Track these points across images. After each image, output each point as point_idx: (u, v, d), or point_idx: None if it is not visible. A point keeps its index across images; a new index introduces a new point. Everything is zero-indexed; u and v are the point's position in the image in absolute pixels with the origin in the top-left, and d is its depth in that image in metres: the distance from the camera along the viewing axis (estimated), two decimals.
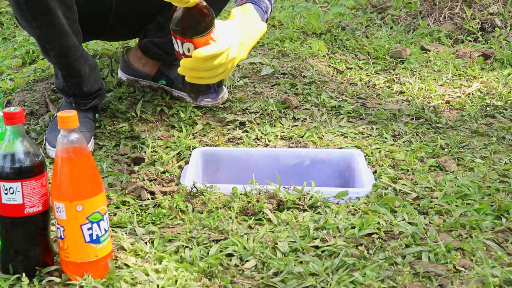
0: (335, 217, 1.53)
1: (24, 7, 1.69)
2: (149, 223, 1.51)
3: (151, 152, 1.91)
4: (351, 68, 2.61)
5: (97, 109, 2.06)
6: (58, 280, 1.27)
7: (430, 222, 1.52)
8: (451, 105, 2.31)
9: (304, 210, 1.57)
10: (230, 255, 1.39)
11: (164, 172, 1.79)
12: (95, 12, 2.05)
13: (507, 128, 2.10)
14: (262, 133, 2.04)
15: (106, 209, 1.28)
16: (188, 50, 1.50)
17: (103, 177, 1.75)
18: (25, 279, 1.24)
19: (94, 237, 1.26)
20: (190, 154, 1.86)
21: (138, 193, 1.64)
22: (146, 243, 1.43)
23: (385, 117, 2.16)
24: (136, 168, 1.82)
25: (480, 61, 2.72)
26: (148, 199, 1.62)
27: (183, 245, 1.41)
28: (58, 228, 1.26)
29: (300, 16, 3.20)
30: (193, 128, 2.05)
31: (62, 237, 1.26)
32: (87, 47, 2.64)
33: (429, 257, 1.37)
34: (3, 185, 1.23)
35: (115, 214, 1.55)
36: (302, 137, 2.01)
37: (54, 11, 1.71)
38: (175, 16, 1.50)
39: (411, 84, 2.47)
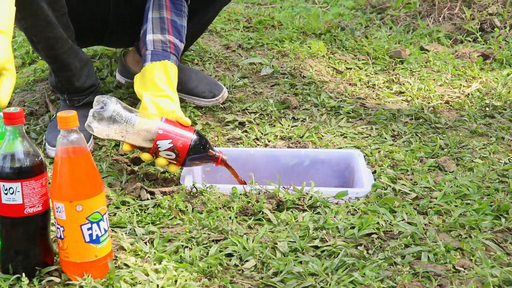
0: (334, 217, 1.53)
1: None
2: (149, 223, 1.51)
3: None
4: (350, 68, 2.61)
5: None
6: (58, 280, 1.28)
7: (429, 222, 1.52)
8: (451, 105, 2.31)
9: (304, 210, 1.57)
10: (229, 255, 1.39)
11: (163, 172, 1.79)
12: (94, 16, 2.06)
13: (506, 128, 2.11)
14: (262, 133, 2.04)
15: (106, 209, 1.28)
16: (165, 157, 1.66)
17: (103, 177, 1.75)
18: (25, 279, 1.24)
19: (94, 237, 1.26)
20: None
21: (138, 193, 1.65)
22: (146, 243, 1.43)
23: (384, 117, 2.16)
24: (136, 168, 1.82)
25: (479, 61, 2.72)
26: (148, 199, 1.62)
27: (182, 245, 1.41)
28: (58, 228, 1.26)
29: (299, 16, 3.20)
30: None
31: (62, 237, 1.26)
32: (87, 48, 2.64)
33: (428, 257, 1.37)
34: (3, 185, 1.24)
35: (115, 214, 1.55)
36: (301, 137, 2.01)
37: (37, 1, 1.71)
38: (203, 148, 1.68)
39: (410, 84, 2.47)
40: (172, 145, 1.64)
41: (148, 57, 1.84)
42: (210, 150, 1.69)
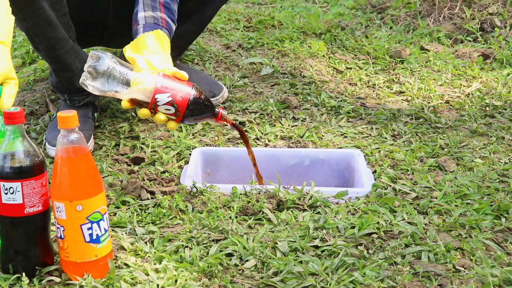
0: (334, 217, 1.53)
1: None
2: (149, 223, 1.51)
3: (151, 152, 1.91)
4: (350, 68, 2.61)
5: (95, 108, 2.06)
6: (58, 279, 1.28)
7: (429, 222, 1.52)
8: (451, 105, 2.31)
9: (304, 210, 1.57)
10: (230, 255, 1.39)
11: (164, 172, 1.79)
12: (93, 16, 2.05)
13: (507, 128, 2.11)
14: (262, 133, 2.04)
15: (106, 209, 1.28)
16: (164, 112, 1.59)
17: (103, 177, 1.75)
18: (25, 279, 1.24)
19: (94, 237, 1.26)
20: (190, 154, 1.86)
21: (138, 193, 1.65)
22: (146, 243, 1.43)
23: (384, 117, 2.16)
24: (136, 168, 1.82)
25: (480, 61, 2.72)
26: (148, 199, 1.62)
27: (183, 245, 1.41)
28: (58, 228, 1.26)
29: (299, 16, 3.20)
30: (193, 128, 2.05)
31: (62, 237, 1.26)
32: (87, 48, 2.64)
33: (428, 256, 1.37)
34: (3, 185, 1.23)
35: (115, 214, 1.55)
36: (301, 137, 2.01)
37: (38, 1, 1.71)
38: (203, 103, 1.61)
39: (410, 84, 2.47)
40: (171, 98, 1.58)
41: (140, 30, 1.79)
42: (209, 105, 1.64)
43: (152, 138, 1.99)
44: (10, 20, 1.46)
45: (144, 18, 1.80)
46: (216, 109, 1.63)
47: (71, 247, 1.26)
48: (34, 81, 2.43)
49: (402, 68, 2.63)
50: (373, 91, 2.42)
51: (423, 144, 1.97)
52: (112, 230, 1.47)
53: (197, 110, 1.60)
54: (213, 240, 1.44)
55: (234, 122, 1.69)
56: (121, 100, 1.60)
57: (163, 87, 1.57)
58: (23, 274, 1.25)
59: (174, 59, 2.23)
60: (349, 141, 1.99)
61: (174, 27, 1.86)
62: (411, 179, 1.75)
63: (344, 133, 2.05)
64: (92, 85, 1.55)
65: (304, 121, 2.13)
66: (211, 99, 2.19)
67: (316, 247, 1.41)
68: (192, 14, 2.09)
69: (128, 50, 1.73)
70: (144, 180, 1.73)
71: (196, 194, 1.63)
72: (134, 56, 1.69)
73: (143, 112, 1.60)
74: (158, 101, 1.57)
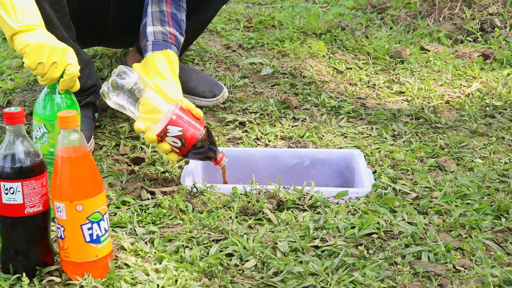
0: (335, 217, 1.53)
1: None
2: (149, 223, 1.51)
3: (151, 152, 1.91)
4: (350, 68, 2.61)
5: (96, 108, 2.06)
6: (58, 280, 1.28)
7: (429, 222, 1.52)
8: (451, 105, 2.31)
9: (304, 210, 1.57)
10: (230, 255, 1.39)
11: (164, 172, 1.79)
12: (94, 17, 2.05)
13: (507, 128, 2.11)
14: (262, 133, 2.04)
15: (106, 209, 1.28)
16: (171, 143, 1.63)
17: (103, 177, 1.75)
18: (25, 279, 1.24)
19: (94, 237, 1.26)
20: None
21: (138, 193, 1.65)
22: (146, 243, 1.43)
23: (384, 117, 2.16)
24: (136, 168, 1.82)
25: (480, 61, 2.72)
26: (148, 199, 1.62)
27: (183, 245, 1.41)
28: (58, 228, 1.26)
29: (300, 16, 3.21)
30: None
31: (63, 237, 1.26)
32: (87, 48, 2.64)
33: (428, 257, 1.37)
34: (4, 185, 1.24)
35: (115, 214, 1.55)
36: (302, 137, 2.01)
37: (38, 1, 1.71)
38: (210, 141, 1.67)
39: (410, 84, 2.47)
40: (181, 133, 1.62)
41: (149, 47, 1.83)
42: (214, 148, 1.69)
43: None
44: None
45: (153, 34, 1.83)
46: (219, 154, 1.70)
47: (72, 247, 1.26)
48: (35, 81, 2.43)
49: (402, 68, 2.63)
50: (373, 91, 2.42)
51: (423, 144, 1.97)
52: (112, 230, 1.47)
53: (202, 149, 1.66)
54: (213, 240, 1.44)
55: (226, 180, 1.76)
56: (135, 120, 1.64)
57: (178, 119, 1.62)
58: (23, 274, 1.25)
59: None
60: (349, 141, 1.99)
61: (182, 39, 1.90)
62: (411, 179, 1.75)
63: (344, 133, 2.05)
64: (111, 99, 1.60)
65: (304, 121, 2.13)
66: (211, 99, 2.19)
67: (316, 247, 1.41)
68: (193, 14, 2.09)
69: (138, 70, 1.76)
70: (145, 180, 1.73)
71: (196, 194, 1.63)
72: (145, 79, 1.74)
73: (151, 138, 1.64)
74: (168, 132, 1.61)
